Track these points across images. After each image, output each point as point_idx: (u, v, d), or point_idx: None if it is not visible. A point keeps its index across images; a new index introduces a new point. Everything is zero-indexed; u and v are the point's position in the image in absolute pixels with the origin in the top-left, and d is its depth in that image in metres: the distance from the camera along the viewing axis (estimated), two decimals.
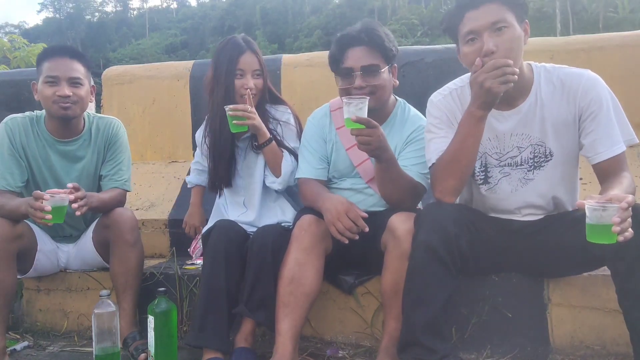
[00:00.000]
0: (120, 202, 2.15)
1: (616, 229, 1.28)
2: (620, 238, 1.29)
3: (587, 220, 1.33)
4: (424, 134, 1.82)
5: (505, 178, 1.75)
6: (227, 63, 2.03)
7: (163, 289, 1.78)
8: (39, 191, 1.80)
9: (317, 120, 2.07)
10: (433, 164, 1.73)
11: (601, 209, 1.30)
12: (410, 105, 2.05)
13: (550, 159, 1.71)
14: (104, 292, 1.74)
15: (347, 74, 1.87)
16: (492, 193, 1.78)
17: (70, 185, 1.86)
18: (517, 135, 1.71)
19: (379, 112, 1.90)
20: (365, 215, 1.75)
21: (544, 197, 1.74)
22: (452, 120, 1.76)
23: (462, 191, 1.84)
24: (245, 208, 2.13)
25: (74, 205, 1.83)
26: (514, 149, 1.72)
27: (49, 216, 1.74)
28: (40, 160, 2.11)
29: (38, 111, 2.16)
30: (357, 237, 1.73)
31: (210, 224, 2.11)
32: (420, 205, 2.07)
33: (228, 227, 1.92)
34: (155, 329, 1.73)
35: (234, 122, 1.90)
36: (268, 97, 2.15)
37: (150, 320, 1.73)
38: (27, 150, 2.10)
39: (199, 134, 2.23)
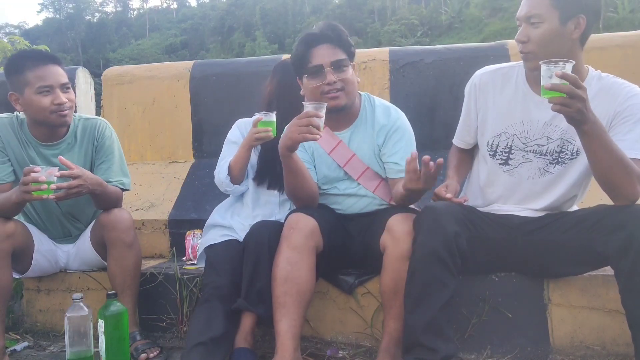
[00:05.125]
0: (118, 199, 2.13)
1: (547, 85, 1.38)
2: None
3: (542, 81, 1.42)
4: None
5: (527, 164, 1.78)
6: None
7: (113, 292, 1.77)
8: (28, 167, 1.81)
9: None
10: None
11: (552, 64, 1.39)
12: (373, 96, 2.04)
13: (575, 158, 1.72)
14: (77, 295, 1.72)
15: (316, 72, 1.85)
16: (509, 175, 1.80)
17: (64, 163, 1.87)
18: (552, 125, 1.73)
19: (350, 109, 1.92)
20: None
21: (555, 193, 1.76)
22: (478, 98, 1.84)
23: (478, 170, 1.89)
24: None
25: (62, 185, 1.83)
26: (544, 138, 1.75)
27: (45, 186, 1.76)
28: (24, 162, 2.08)
29: (21, 114, 2.12)
30: (319, 136, 1.66)
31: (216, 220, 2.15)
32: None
33: (270, 228, 1.91)
34: (106, 333, 1.70)
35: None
36: None
37: (101, 324, 1.71)
38: (11, 151, 2.08)
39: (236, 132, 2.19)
